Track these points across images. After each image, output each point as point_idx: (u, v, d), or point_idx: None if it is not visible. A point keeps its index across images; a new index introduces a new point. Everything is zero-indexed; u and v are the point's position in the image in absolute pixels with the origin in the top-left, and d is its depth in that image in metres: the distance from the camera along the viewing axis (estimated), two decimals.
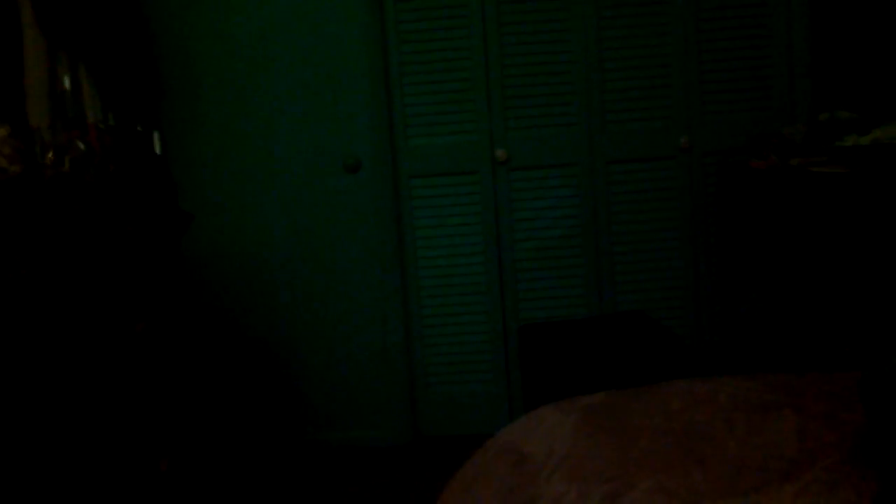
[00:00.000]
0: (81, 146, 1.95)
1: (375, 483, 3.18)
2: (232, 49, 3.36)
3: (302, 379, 3.51)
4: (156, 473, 2.20)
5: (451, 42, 3.35)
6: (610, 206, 3.40)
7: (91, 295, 1.88)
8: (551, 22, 3.33)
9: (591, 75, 3.34)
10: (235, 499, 3.09)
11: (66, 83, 2.20)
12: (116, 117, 2.30)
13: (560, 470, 1.46)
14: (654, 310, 3.41)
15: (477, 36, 3.33)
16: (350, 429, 3.52)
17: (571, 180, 3.40)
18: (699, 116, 3.37)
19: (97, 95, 2.83)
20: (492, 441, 1.67)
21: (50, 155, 1.94)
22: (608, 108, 3.37)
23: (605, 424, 1.56)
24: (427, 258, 3.45)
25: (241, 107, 3.39)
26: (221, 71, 3.37)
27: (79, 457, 1.78)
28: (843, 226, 2.68)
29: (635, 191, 3.41)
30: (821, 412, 1.47)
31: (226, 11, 3.35)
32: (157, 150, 2.40)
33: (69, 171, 1.88)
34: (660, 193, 3.41)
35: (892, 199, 2.57)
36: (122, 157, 2.19)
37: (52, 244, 1.69)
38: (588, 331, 3.09)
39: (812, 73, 3.34)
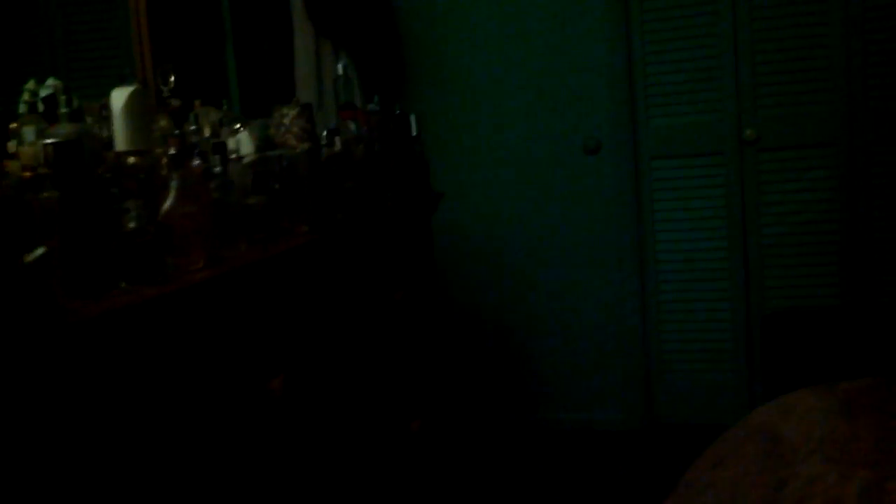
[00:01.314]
0: (352, 127, 2.13)
1: (610, 466, 3.19)
2: (473, 36, 3.49)
3: (536, 358, 3.59)
4: (407, 432, 2.37)
5: (696, 18, 3.27)
6: (870, 189, 3.17)
7: (363, 260, 2.06)
8: None
9: (853, 48, 3.13)
10: (473, 467, 3.23)
11: (340, 70, 2.40)
12: (379, 101, 2.48)
13: (818, 452, 1.42)
14: None
15: (725, 9, 3.22)
16: (583, 411, 3.55)
17: (827, 161, 3.21)
18: None
19: (357, 80, 3.07)
20: (745, 420, 1.64)
21: (324, 135, 2.14)
22: (871, 83, 3.14)
23: (868, 409, 1.49)
24: (667, 241, 3.40)
25: (483, 90, 3.51)
26: (463, 57, 3.51)
27: (353, 403, 1.97)
28: None
29: None
30: None
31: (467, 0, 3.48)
32: (414, 131, 2.56)
33: (341, 150, 2.07)
34: None
35: None
36: (384, 138, 2.37)
37: (332, 216, 1.87)
38: (843, 321, 2.92)
39: None
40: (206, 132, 1.96)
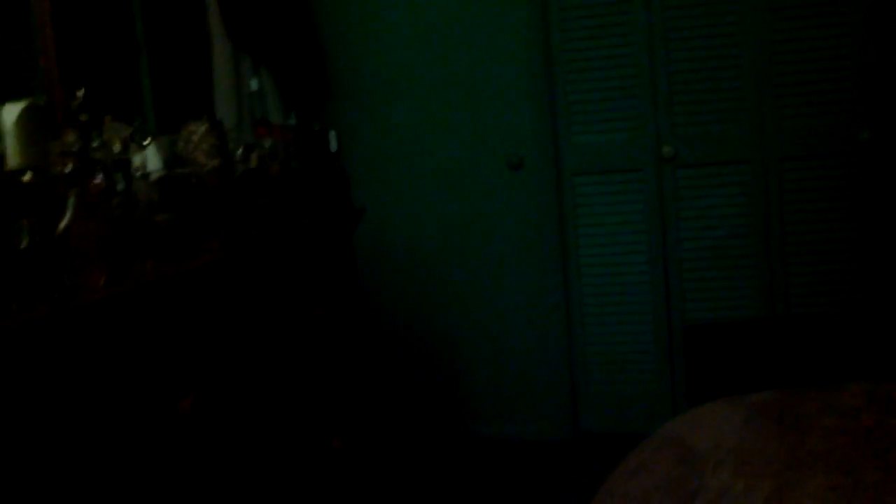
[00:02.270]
0: (267, 144, 2.10)
1: (535, 477, 3.19)
2: (396, 52, 3.49)
3: (462, 371, 3.58)
4: (329, 450, 2.33)
5: (615, 38, 3.33)
6: (783, 204, 3.27)
7: (279, 277, 2.02)
8: (720, 14, 3.24)
9: (764, 69, 3.23)
10: (398, 484, 3.20)
11: (254, 85, 2.37)
12: (297, 117, 2.45)
13: (726, 463, 1.44)
14: (831, 313, 3.24)
15: (642, 31, 3.29)
16: (509, 423, 3.56)
17: (742, 178, 3.29)
18: (882, 109, 3.17)
19: (278, 96, 3.03)
20: (658, 432, 1.66)
21: (239, 151, 2.10)
22: (782, 103, 3.24)
23: (775, 421, 1.52)
24: (589, 256, 3.44)
25: (406, 107, 3.51)
26: (388, 73, 3.51)
27: (269, 423, 1.92)
28: None
29: (810, 188, 3.26)
30: None
31: (390, 16, 3.48)
32: (333, 147, 2.54)
33: (257, 167, 2.04)
34: (837, 192, 3.24)
35: None
36: (302, 154, 2.34)
37: (245, 233, 1.84)
38: (761, 333, 2.99)
39: None
40: (117, 148, 1.91)
